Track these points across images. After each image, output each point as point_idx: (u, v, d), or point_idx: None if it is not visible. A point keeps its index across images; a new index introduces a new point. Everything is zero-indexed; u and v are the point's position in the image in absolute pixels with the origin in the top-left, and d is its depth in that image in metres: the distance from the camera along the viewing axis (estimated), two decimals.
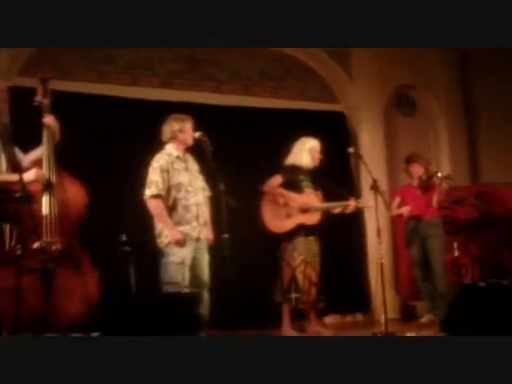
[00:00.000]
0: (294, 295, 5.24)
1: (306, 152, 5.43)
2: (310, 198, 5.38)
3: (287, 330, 5.30)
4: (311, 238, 5.36)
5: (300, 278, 5.24)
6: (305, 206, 5.32)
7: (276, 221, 5.34)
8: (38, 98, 4.35)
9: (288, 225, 5.31)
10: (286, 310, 5.33)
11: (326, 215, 5.41)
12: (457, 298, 4.26)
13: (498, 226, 6.51)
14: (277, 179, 5.40)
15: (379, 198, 4.98)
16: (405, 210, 5.99)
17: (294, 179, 5.40)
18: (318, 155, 5.46)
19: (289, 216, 5.34)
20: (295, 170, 5.42)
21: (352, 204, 5.33)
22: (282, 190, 5.37)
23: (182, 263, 4.53)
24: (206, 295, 4.67)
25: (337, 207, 5.39)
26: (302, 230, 5.31)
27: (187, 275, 4.55)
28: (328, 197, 5.44)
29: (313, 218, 5.33)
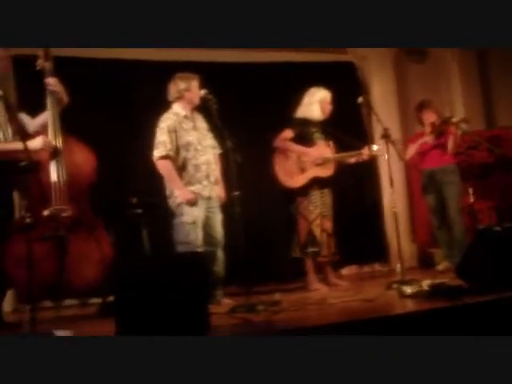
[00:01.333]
0: (311, 249, 5.22)
1: (316, 104, 5.35)
2: (323, 150, 5.32)
3: (314, 283, 5.25)
4: (326, 190, 5.32)
5: (317, 231, 5.22)
6: (318, 158, 5.27)
7: (290, 176, 5.30)
8: (40, 62, 4.34)
9: (302, 179, 5.27)
10: (309, 265, 5.27)
11: (340, 167, 5.36)
12: (472, 243, 4.21)
13: None
14: (287, 133, 5.32)
15: (391, 148, 4.90)
16: (429, 139, 5.80)
17: (305, 132, 5.32)
18: (328, 106, 5.38)
19: (302, 170, 5.29)
20: (306, 122, 5.34)
21: (366, 152, 5.26)
22: (294, 145, 5.30)
23: (194, 223, 4.53)
24: (220, 254, 4.69)
25: (350, 157, 5.33)
26: (316, 183, 5.27)
27: (200, 235, 4.56)
28: (341, 148, 5.39)
29: (327, 171, 5.28)
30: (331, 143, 5.39)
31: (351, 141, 5.26)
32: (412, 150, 5.87)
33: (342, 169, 5.39)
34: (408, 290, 4.01)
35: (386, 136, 4.89)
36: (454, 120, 5.67)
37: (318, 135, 5.36)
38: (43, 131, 4.25)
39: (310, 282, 5.28)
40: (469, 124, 5.82)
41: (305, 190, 5.26)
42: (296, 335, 3.10)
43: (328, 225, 5.29)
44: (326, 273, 5.40)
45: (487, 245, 3.95)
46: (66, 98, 4.35)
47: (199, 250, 4.41)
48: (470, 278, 3.94)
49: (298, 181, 5.29)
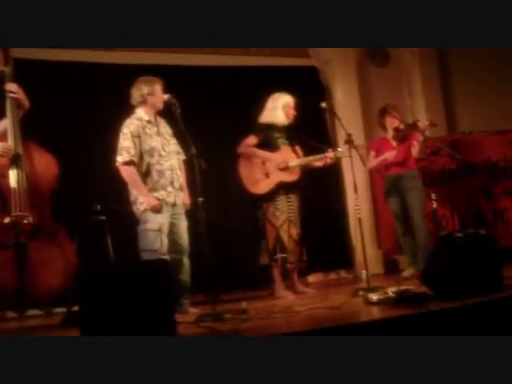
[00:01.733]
0: (280, 255, 5.22)
1: (279, 109, 5.35)
2: (288, 154, 5.33)
3: (281, 291, 5.25)
4: (292, 195, 5.32)
5: (285, 237, 5.22)
6: (283, 163, 5.27)
7: (255, 182, 5.29)
8: None
9: (267, 185, 5.27)
10: (276, 272, 5.27)
11: (305, 171, 5.36)
12: (434, 249, 4.24)
13: (476, 174, 6.50)
14: (251, 139, 5.32)
15: (355, 153, 4.92)
16: (389, 155, 5.82)
17: (269, 137, 5.33)
18: (291, 111, 5.38)
19: (267, 176, 5.29)
20: (269, 127, 5.35)
21: (330, 155, 5.28)
22: (258, 150, 5.30)
23: (159, 230, 4.46)
24: (186, 261, 4.64)
25: (315, 161, 5.33)
26: (282, 188, 5.27)
27: (165, 242, 4.49)
28: (307, 152, 5.39)
29: (292, 176, 5.28)
30: (298, 148, 5.40)
31: (316, 145, 5.27)
32: (373, 163, 5.92)
33: (308, 173, 5.39)
34: (374, 297, 4.02)
35: (349, 141, 4.90)
36: (421, 124, 5.64)
37: (282, 140, 5.36)
38: (3, 137, 4.16)
39: (277, 289, 5.27)
40: (434, 128, 5.86)
41: (270, 196, 5.26)
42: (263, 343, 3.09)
43: (295, 231, 5.29)
44: (292, 280, 5.39)
45: (449, 251, 3.96)
46: (26, 104, 4.26)
47: (165, 257, 4.35)
48: (434, 285, 3.96)
49: (263, 186, 5.28)
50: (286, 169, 5.27)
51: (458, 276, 3.85)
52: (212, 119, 6.19)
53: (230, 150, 5.37)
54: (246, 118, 5.53)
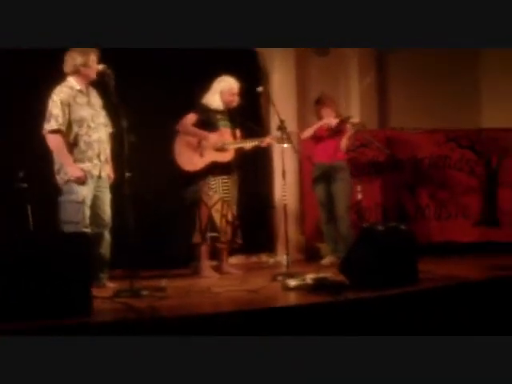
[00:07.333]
0: (210, 234, 5.24)
1: (217, 94, 5.38)
2: (225, 136, 5.35)
3: (207, 270, 5.28)
4: (228, 176, 5.35)
5: (216, 216, 5.25)
6: (217, 143, 5.28)
7: (189, 159, 5.31)
8: None
9: (200, 163, 5.29)
10: (203, 250, 5.29)
11: (239, 153, 5.39)
12: (355, 241, 4.34)
13: (402, 170, 6.65)
14: (191, 118, 5.34)
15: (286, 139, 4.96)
16: (327, 121, 5.84)
17: (209, 118, 5.35)
18: (231, 97, 5.39)
19: (202, 155, 5.30)
20: (209, 109, 5.37)
21: (267, 141, 5.34)
22: (195, 129, 5.32)
23: (82, 202, 4.39)
24: (107, 235, 4.59)
25: (249, 143, 5.37)
26: (216, 168, 5.30)
27: (87, 214, 4.43)
28: (247, 136, 5.44)
29: (226, 156, 5.31)
30: (238, 132, 5.44)
31: (257, 129, 5.31)
32: (310, 131, 5.92)
33: (241, 156, 5.42)
34: (291, 282, 4.08)
35: (281, 128, 4.94)
36: (352, 121, 5.76)
37: (224, 122, 5.40)
38: None
39: (203, 268, 5.29)
40: (365, 127, 5.96)
41: (204, 175, 5.29)
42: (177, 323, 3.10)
43: (229, 211, 5.32)
44: (221, 260, 5.45)
45: (369, 243, 4.07)
46: None
47: (86, 230, 4.28)
48: (351, 275, 4.05)
49: (195, 165, 5.30)
50: (220, 149, 5.29)
51: (375, 267, 3.96)
52: (151, 98, 6.07)
53: (170, 127, 5.36)
54: (186, 99, 5.52)
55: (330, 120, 5.86)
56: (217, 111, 5.37)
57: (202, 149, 5.31)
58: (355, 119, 5.88)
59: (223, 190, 5.30)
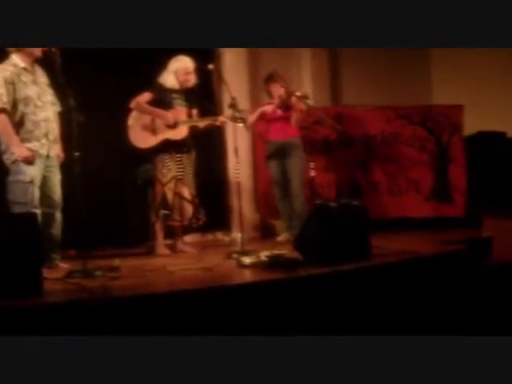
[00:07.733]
0: (162, 212, 5.25)
1: (172, 73, 5.36)
2: (180, 115, 5.33)
3: (161, 248, 5.33)
4: (182, 155, 5.34)
5: (169, 194, 5.25)
6: (170, 121, 5.27)
7: (142, 137, 5.31)
8: None
9: (153, 141, 5.30)
10: (158, 228, 5.34)
11: (193, 131, 5.37)
12: (308, 217, 4.35)
13: (355, 147, 6.68)
14: (145, 96, 5.32)
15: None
16: (267, 108, 5.90)
17: (164, 97, 5.34)
18: (187, 76, 5.36)
19: (155, 132, 5.30)
20: (165, 88, 5.35)
21: (221, 120, 5.34)
22: (148, 107, 5.30)
23: (31, 182, 4.30)
24: (58, 215, 4.52)
25: (205, 122, 5.37)
26: (170, 146, 5.29)
27: (37, 195, 4.34)
28: (203, 115, 5.44)
29: (178, 134, 5.29)
30: (195, 111, 5.42)
31: (213, 109, 5.35)
32: (253, 117, 5.93)
33: (195, 134, 5.40)
34: (246, 260, 4.08)
35: (233, 105, 4.95)
36: (297, 94, 5.76)
37: (179, 101, 5.39)
38: None
39: (158, 246, 5.33)
40: (310, 99, 5.97)
41: (158, 153, 5.29)
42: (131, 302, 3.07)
43: (184, 189, 5.32)
44: (176, 238, 5.47)
45: (322, 219, 4.08)
46: None
47: (36, 211, 4.18)
48: (305, 251, 4.07)
49: (148, 142, 5.31)
50: (173, 127, 5.28)
51: (328, 243, 3.98)
52: (103, 75, 5.96)
53: (123, 106, 5.33)
54: (140, 78, 5.49)
55: (267, 107, 5.92)
56: (172, 90, 5.36)
57: (155, 127, 5.31)
58: (298, 92, 5.86)
59: (177, 167, 5.30)
